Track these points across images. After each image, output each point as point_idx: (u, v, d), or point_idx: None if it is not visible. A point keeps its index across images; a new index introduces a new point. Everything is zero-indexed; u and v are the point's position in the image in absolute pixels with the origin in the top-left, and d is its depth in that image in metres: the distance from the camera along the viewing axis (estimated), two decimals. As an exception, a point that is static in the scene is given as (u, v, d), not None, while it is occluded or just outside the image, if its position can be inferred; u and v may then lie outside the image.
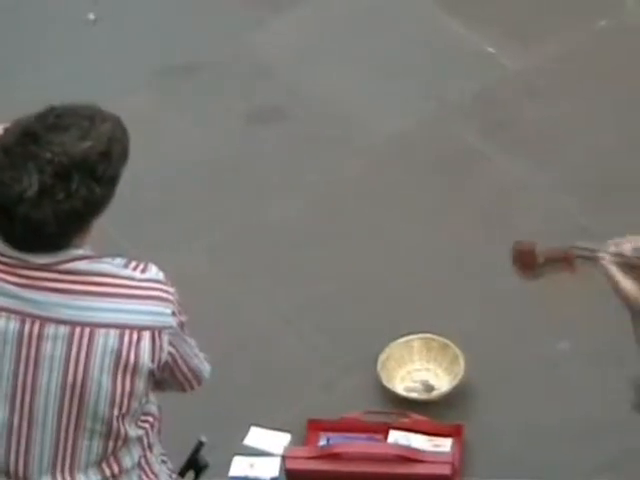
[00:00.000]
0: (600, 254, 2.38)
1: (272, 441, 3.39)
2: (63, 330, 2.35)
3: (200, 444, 2.84)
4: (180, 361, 2.47)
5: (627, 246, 2.40)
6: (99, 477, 2.47)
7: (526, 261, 2.49)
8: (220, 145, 4.13)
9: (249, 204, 4.04)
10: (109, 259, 2.41)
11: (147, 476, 2.57)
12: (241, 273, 3.82)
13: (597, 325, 3.54)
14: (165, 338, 2.38)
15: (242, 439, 3.35)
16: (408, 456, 3.16)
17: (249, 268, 3.84)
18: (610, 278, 2.37)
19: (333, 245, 3.93)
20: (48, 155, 2.28)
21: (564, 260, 2.47)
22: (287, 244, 3.94)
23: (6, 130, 2.39)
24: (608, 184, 3.74)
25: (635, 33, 4.45)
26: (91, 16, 4.59)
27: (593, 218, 3.64)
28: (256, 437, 3.40)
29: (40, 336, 2.36)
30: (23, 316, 2.36)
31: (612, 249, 2.38)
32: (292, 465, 3.19)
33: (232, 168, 4.15)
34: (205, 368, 2.60)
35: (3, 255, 2.36)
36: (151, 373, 2.40)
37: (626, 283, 2.38)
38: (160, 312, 2.39)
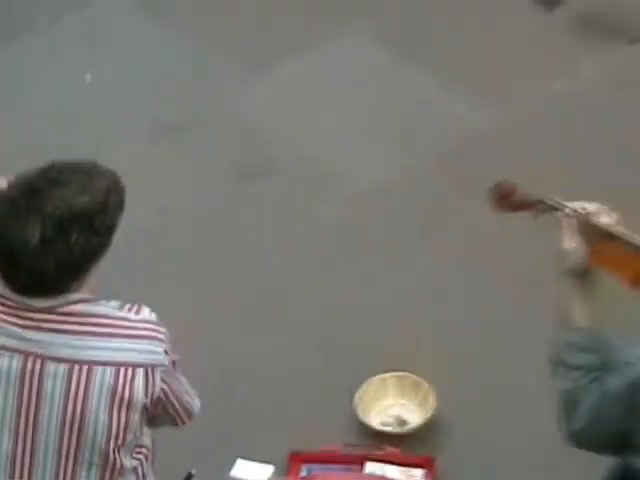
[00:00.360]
0: (567, 210, 2.57)
1: (257, 472, 3.49)
2: (63, 368, 2.42)
3: (190, 475, 3.03)
4: (172, 397, 2.54)
5: (600, 217, 2.55)
6: None
7: (503, 195, 2.67)
8: (209, 196, 4.25)
9: (237, 250, 4.13)
10: (105, 302, 2.48)
11: None
12: (227, 315, 3.92)
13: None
14: (158, 375, 2.45)
15: (229, 470, 3.44)
16: None
17: (233, 311, 3.94)
18: (563, 230, 2.54)
19: (315, 289, 4.02)
20: (50, 209, 2.38)
21: (534, 205, 2.67)
22: (271, 289, 4.04)
23: (10, 184, 2.48)
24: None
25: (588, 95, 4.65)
26: (88, 78, 4.70)
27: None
28: (242, 469, 3.50)
29: (42, 374, 2.43)
30: (26, 355, 2.43)
31: (579, 210, 2.55)
32: None
33: (221, 217, 4.25)
34: (195, 404, 2.66)
35: (7, 298, 2.44)
36: (145, 408, 2.46)
37: (572, 241, 2.55)
38: (153, 351, 2.46)
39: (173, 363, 2.51)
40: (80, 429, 2.45)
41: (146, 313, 2.51)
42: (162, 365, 2.46)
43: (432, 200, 4.26)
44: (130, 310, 2.49)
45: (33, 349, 2.44)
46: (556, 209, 2.59)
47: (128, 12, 5.17)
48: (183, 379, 2.63)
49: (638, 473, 2.42)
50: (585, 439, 2.46)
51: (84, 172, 2.49)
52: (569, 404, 2.45)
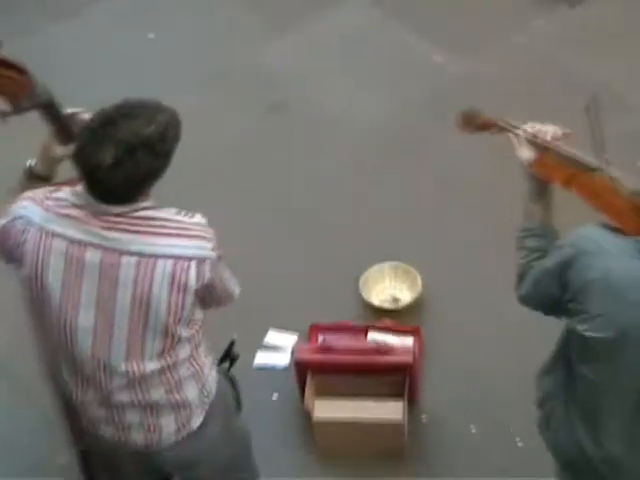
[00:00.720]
0: (519, 131, 2.85)
1: (285, 339, 4.07)
2: (134, 260, 2.66)
3: (233, 342, 3.32)
4: (217, 283, 2.77)
5: (546, 130, 2.85)
6: (160, 365, 2.82)
7: (469, 119, 2.99)
8: (242, 127, 4.71)
9: (258, 171, 4.58)
10: (166, 209, 2.71)
11: (195, 366, 2.92)
12: (253, 227, 4.34)
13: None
14: (207, 266, 2.68)
15: (262, 338, 4.06)
16: (381, 349, 3.68)
17: (258, 222, 4.41)
18: (515, 145, 2.86)
19: (325, 201, 4.50)
20: (121, 136, 2.59)
21: (494, 125, 2.96)
22: (288, 200, 4.50)
23: (92, 116, 2.72)
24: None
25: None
26: (151, 35, 5.10)
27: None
28: (273, 337, 4.07)
29: (118, 264, 2.68)
30: (106, 250, 2.69)
31: (528, 128, 2.86)
32: (299, 356, 3.79)
33: (251, 142, 4.70)
34: (235, 290, 2.92)
35: (91, 205, 2.69)
36: (196, 291, 2.70)
37: (523, 152, 2.85)
38: (203, 247, 2.69)
39: (219, 257, 2.72)
40: (147, 307, 2.71)
41: (198, 217, 2.72)
42: (210, 258, 2.68)
43: (416, 132, 4.70)
44: (185, 215, 2.72)
45: (110, 245, 2.68)
46: (511, 128, 2.87)
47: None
48: (226, 270, 2.86)
49: (575, 332, 2.66)
50: (529, 301, 2.79)
51: (150, 108, 2.69)
52: (521, 275, 2.78)
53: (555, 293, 2.71)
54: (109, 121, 2.68)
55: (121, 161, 2.64)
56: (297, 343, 4.03)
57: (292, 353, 3.98)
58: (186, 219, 2.78)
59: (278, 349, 4.08)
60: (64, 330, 2.83)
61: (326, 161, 4.55)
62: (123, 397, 2.85)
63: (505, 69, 5.03)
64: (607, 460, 2.82)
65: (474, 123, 3.02)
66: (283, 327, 4.12)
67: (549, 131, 2.87)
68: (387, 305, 4.07)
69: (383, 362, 3.72)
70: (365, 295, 4.08)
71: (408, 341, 3.87)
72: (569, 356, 2.84)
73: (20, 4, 5.57)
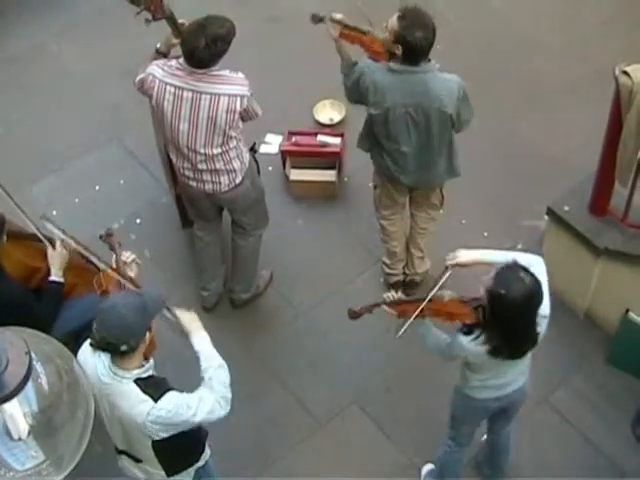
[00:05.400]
0: (327, 19, 4.27)
1: (275, 139, 5.81)
2: (208, 97, 4.10)
3: (254, 143, 4.82)
4: (250, 108, 4.22)
5: (338, 15, 4.26)
6: (220, 150, 4.26)
7: (315, 18, 4.27)
8: (251, 30, 5.83)
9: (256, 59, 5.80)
10: (223, 70, 4.08)
11: (237, 150, 4.33)
12: (264, 72, 5.53)
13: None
14: (245, 99, 4.14)
15: (264, 138, 5.75)
16: (324, 144, 5.34)
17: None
18: (331, 34, 4.27)
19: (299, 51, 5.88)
20: (207, 32, 3.97)
21: (320, 19, 4.30)
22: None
23: (190, 23, 4.09)
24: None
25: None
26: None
27: None
28: (269, 137, 5.81)
29: (199, 98, 4.11)
30: (194, 91, 4.11)
31: (337, 17, 4.29)
32: (283, 148, 5.54)
33: (256, 45, 6.03)
34: (259, 111, 4.28)
35: (187, 69, 4.05)
36: (240, 112, 4.14)
37: (332, 31, 4.26)
38: (242, 89, 4.14)
39: (251, 94, 4.12)
40: (214, 120, 4.15)
41: (240, 74, 4.11)
42: (246, 95, 4.15)
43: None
44: (232, 72, 4.11)
45: (197, 89, 4.09)
46: (322, 20, 4.25)
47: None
48: (255, 103, 4.24)
49: (370, 114, 4.14)
50: (351, 99, 4.47)
51: (221, 19, 4.06)
52: (345, 85, 4.42)
53: (358, 94, 4.39)
54: (200, 26, 4.03)
55: (207, 45, 4.00)
56: (281, 141, 5.75)
57: (279, 146, 5.71)
58: (233, 75, 4.16)
59: (272, 143, 5.83)
60: (172, 131, 4.20)
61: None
62: (202, 166, 4.29)
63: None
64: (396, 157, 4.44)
65: (316, 19, 4.38)
66: (274, 132, 5.86)
67: (339, 15, 4.33)
68: (328, 122, 5.89)
69: (325, 150, 5.47)
70: (316, 116, 5.87)
71: (337, 140, 5.56)
72: (371, 126, 4.44)
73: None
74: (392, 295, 3.61)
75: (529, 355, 3.73)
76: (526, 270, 3.40)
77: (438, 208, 4.91)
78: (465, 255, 3.61)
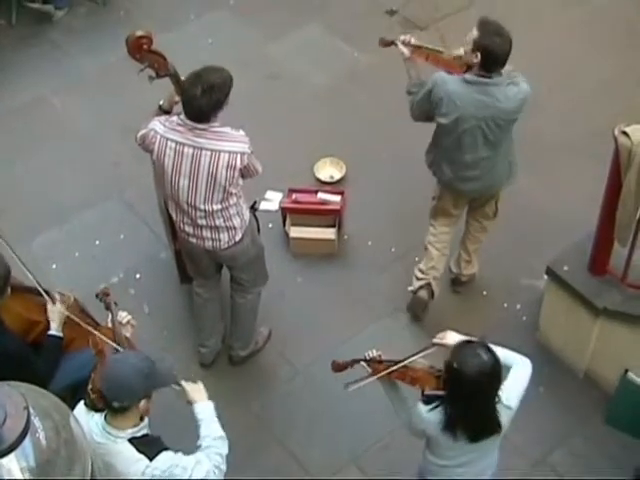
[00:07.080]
0: (398, 41, 4.50)
1: (275, 195, 5.78)
2: (209, 153, 4.02)
3: (255, 201, 4.77)
4: (250, 165, 4.12)
5: (408, 37, 4.47)
6: (221, 206, 4.17)
7: (384, 42, 4.62)
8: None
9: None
10: (227, 128, 4.03)
11: (238, 207, 4.25)
12: (265, 129, 5.60)
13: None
14: (246, 157, 4.05)
15: (264, 194, 5.73)
16: (324, 202, 5.32)
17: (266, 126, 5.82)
18: (403, 54, 4.51)
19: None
20: (203, 81, 3.92)
21: (392, 43, 4.55)
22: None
23: (188, 75, 4.02)
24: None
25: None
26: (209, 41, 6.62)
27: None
28: (269, 194, 5.79)
29: (200, 154, 4.01)
30: (193, 147, 4.02)
31: (412, 41, 4.51)
32: (283, 205, 5.51)
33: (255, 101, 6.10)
34: (259, 168, 4.25)
35: (187, 124, 4.00)
36: (240, 169, 4.05)
37: (405, 51, 4.45)
38: (243, 146, 4.07)
39: (251, 151, 4.04)
40: (215, 177, 4.07)
41: (241, 131, 4.06)
42: (247, 152, 4.07)
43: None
44: (234, 130, 4.06)
45: (197, 145, 4.01)
46: (394, 43, 4.49)
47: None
48: (255, 160, 4.17)
49: (438, 122, 4.24)
50: (417, 118, 4.53)
51: (217, 69, 4.03)
52: (411, 107, 4.49)
53: (428, 107, 4.43)
54: (197, 76, 4.00)
55: (204, 93, 3.90)
56: (281, 198, 5.74)
57: (279, 203, 5.69)
58: (234, 132, 4.08)
59: (272, 201, 5.80)
60: (173, 187, 4.13)
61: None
62: (202, 222, 4.21)
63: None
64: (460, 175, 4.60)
65: (384, 43, 4.67)
66: (275, 189, 5.87)
67: (409, 37, 4.58)
68: (328, 179, 5.89)
69: (325, 208, 5.43)
70: (316, 174, 5.87)
71: (337, 198, 5.56)
72: (439, 138, 4.56)
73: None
74: (372, 352, 3.64)
75: (494, 455, 3.67)
76: (488, 348, 3.39)
77: (491, 218, 5.04)
78: (453, 339, 3.60)
